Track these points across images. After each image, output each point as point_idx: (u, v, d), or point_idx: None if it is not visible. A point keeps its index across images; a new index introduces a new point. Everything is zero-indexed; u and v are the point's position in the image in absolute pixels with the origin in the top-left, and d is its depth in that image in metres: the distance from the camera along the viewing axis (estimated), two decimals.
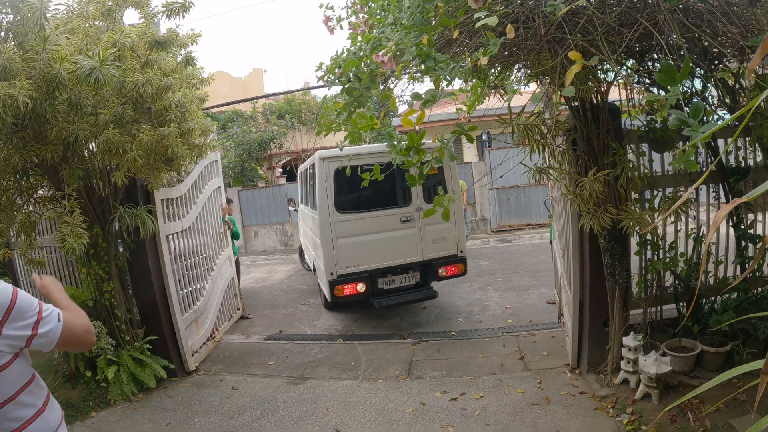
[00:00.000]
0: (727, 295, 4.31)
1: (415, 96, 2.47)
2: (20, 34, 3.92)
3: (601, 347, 4.50)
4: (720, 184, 4.40)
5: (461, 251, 7.05)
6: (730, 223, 4.47)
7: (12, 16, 3.91)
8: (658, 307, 4.49)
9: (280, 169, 21.94)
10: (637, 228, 3.69)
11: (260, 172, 19.63)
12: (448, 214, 2.95)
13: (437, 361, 5.45)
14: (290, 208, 11.81)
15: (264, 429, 4.27)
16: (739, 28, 3.12)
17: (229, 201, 8.21)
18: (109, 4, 4.44)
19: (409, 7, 2.84)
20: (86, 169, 4.75)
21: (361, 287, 6.55)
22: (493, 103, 4.00)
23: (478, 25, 2.00)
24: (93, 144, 4.62)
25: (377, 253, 6.66)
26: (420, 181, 3.02)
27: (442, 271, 6.91)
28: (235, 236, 8.09)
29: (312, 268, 8.76)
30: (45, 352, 1.71)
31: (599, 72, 3.72)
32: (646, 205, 4.27)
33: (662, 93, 2.72)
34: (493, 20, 1.96)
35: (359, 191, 6.65)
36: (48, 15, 3.88)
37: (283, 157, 19.97)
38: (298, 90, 20.91)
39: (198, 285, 6.43)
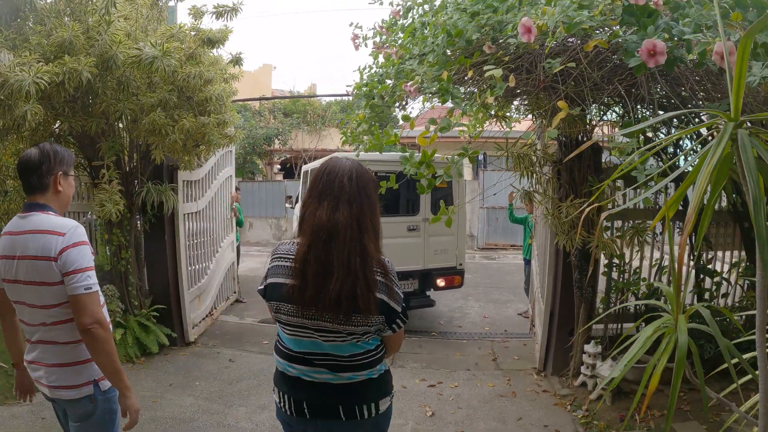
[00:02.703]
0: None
1: (431, 121, 3.04)
2: (79, 12, 4.38)
3: (565, 354, 5.08)
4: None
5: (460, 264, 7.37)
6: (691, 257, 5.08)
7: None
8: (620, 324, 5.08)
9: (279, 166, 22.46)
10: (603, 251, 4.30)
11: (260, 166, 20.19)
12: (450, 221, 3.52)
13: (418, 355, 6.01)
14: (287, 205, 12.14)
15: (261, 395, 4.77)
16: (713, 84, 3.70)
17: (237, 189, 8.73)
18: None
19: (434, 43, 3.41)
20: (119, 144, 5.25)
21: None
22: (493, 127, 4.60)
23: (486, 74, 2.57)
24: (124, 122, 5.08)
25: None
26: (428, 191, 3.57)
27: (440, 281, 7.19)
28: (239, 224, 8.60)
29: None
30: (68, 294, 2.07)
31: (587, 115, 4.31)
32: (615, 232, 4.89)
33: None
34: (498, 72, 2.54)
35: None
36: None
37: (283, 154, 20.50)
38: (307, 96, 21.48)
39: (203, 264, 6.93)
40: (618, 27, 2.84)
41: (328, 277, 1.76)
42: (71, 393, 2.17)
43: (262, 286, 1.98)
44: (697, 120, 4.73)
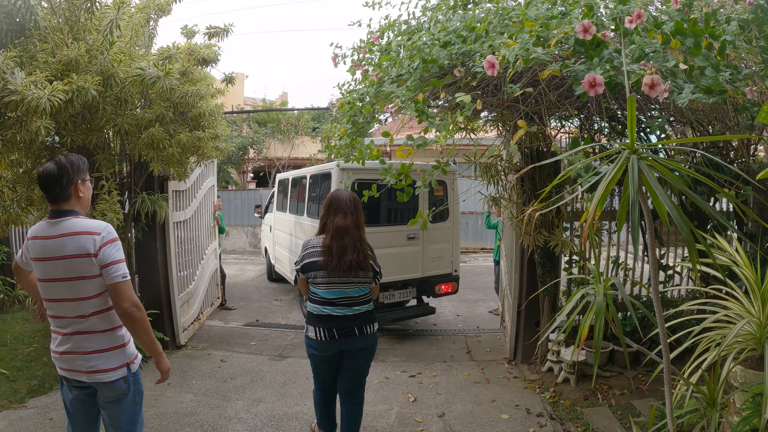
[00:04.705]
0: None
1: (409, 137, 3.50)
2: (77, 30, 4.68)
3: (533, 344, 5.58)
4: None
5: (455, 270, 7.51)
6: (646, 253, 5.63)
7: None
8: (581, 315, 5.60)
9: (251, 174, 22.75)
10: (563, 249, 4.83)
11: (233, 175, 20.46)
12: (425, 224, 4.00)
13: (397, 350, 6.46)
14: (256, 214, 12.13)
15: (255, 390, 5.15)
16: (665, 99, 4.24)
17: (218, 197, 9.07)
18: (152, 15, 5.35)
19: (410, 66, 3.87)
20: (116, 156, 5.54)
21: None
22: (463, 137, 5.08)
23: (457, 100, 3.05)
24: (121, 135, 5.34)
25: (384, 268, 6.68)
26: (406, 198, 4.03)
27: (438, 289, 7.27)
28: (221, 230, 8.94)
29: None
30: (107, 284, 2.43)
31: (547, 127, 4.84)
32: (574, 232, 5.43)
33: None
34: (467, 98, 3.01)
35: (371, 206, 6.43)
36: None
37: (258, 162, 20.81)
38: (285, 109, 21.79)
39: (191, 270, 7.24)
40: (571, 57, 3.35)
41: (345, 254, 3.34)
42: (109, 375, 2.51)
43: (299, 266, 3.48)
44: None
